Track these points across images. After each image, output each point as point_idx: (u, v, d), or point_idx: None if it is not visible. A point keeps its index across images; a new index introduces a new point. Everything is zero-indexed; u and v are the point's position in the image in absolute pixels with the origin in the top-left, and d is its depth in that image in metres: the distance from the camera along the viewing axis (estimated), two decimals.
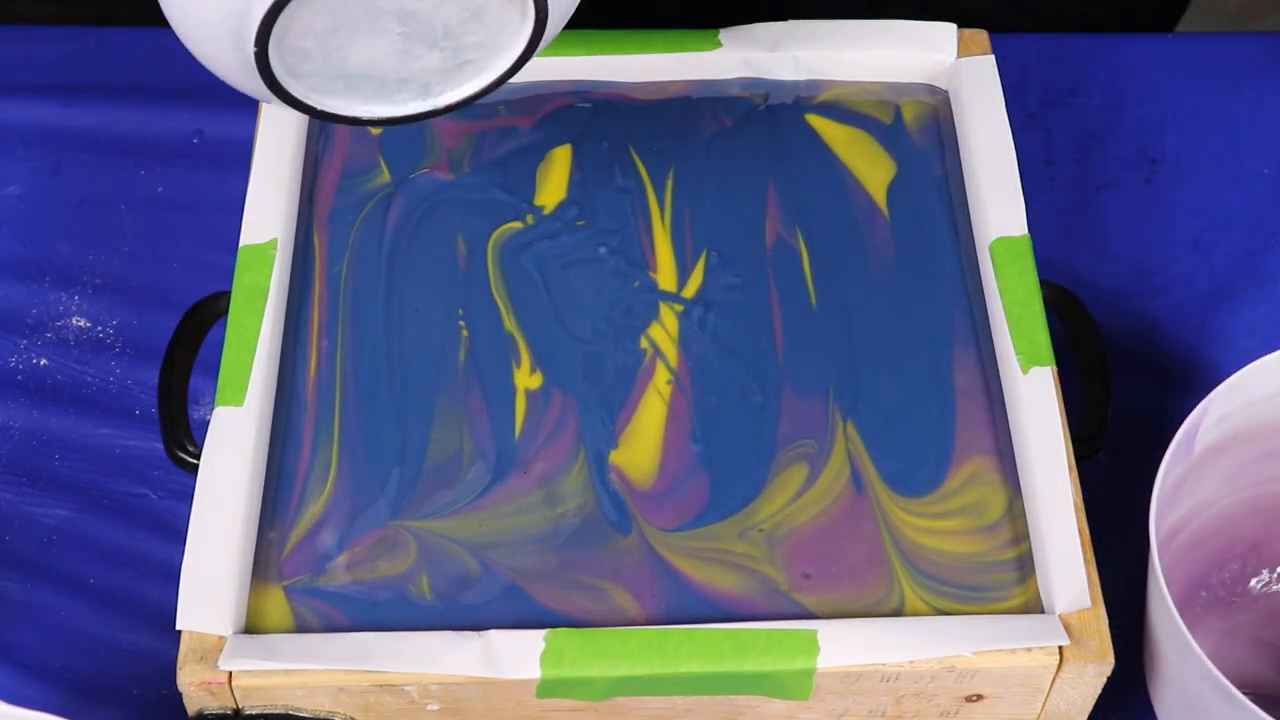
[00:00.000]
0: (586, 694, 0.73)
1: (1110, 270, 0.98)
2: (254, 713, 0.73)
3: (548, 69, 0.92)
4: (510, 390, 0.81)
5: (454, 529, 0.77)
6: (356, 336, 0.83)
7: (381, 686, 0.72)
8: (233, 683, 0.72)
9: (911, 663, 0.72)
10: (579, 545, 0.76)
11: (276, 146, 0.87)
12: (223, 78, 0.74)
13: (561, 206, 0.87)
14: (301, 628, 0.74)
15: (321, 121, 0.73)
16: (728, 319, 0.84)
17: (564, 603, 0.75)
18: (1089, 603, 0.73)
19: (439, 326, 0.83)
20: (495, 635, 0.72)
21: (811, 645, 0.72)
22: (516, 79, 0.92)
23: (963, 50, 0.92)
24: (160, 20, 0.73)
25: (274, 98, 0.72)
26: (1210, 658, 0.75)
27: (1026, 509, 0.77)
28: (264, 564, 0.76)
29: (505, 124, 0.90)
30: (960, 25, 0.92)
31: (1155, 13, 1.20)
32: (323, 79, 0.73)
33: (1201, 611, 0.87)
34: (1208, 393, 0.78)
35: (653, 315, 0.83)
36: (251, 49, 0.69)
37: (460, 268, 0.85)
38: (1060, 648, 0.72)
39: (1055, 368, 0.80)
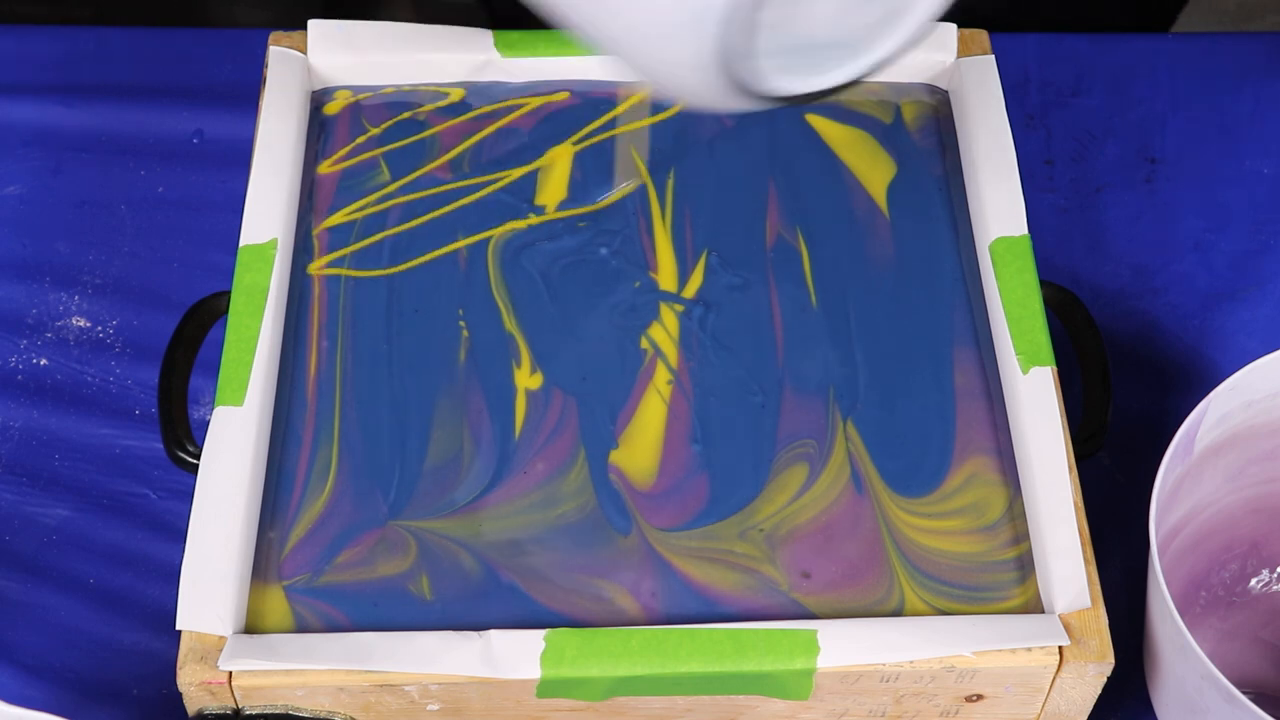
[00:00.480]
0: (586, 694, 0.73)
1: (1110, 270, 0.98)
2: (254, 713, 0.73)
3: (548, 69, 0.92)
4: (510, 390, 0.81)
5: (454, 529, 0.77)
6: (356, 336, 0.83)
7: (381, 686, 0.72)
8: (233, 683, 0.72)
9: (911, 663, 0.72)
10: (579, 545, 0.76)
11: (276, 146, 0.87)
12: (650, 71, 0.70)
13: (562, 207, 0.87)
14: (301, 628, 0.74)
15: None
16: (728, 319, 0.83)
17: (564, 603, 0.75)
18: (1089, 603, 0.73)
19: (439, 327, 0.83)
20: (495, 635, 0.72)
21: (811, 645, 0.72)
22: (517, 79, 0.92)
23: (963, 50, 0.92)
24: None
25: (720, 90, 0.69)
26: (1210, 658, 0.75)
27: (1026, 509, 0.77)
28: (264, 564, 0.76)
29: (505, 124, 0.90)
30: (961, 25, 0.92)
31: (1152, 12, 1.20)
32: (764, 57, 0.69)
33: (1201, 611, 0.87)
34: (1208, 393, 0.78)
35: (653, 315, 0.83)
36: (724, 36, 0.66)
37: (460, 268, 0.85)
38: (1060, 648, 0.72)
39: (1055, 368, 0.80)
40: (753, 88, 0.69)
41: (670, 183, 0.88)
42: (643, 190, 0.88)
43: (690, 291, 0.84)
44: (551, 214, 0.87)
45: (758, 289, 0.84)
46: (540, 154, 0.89)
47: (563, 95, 0.91)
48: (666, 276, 0.85)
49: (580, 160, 0.89)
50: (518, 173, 0.88)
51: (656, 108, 0.91)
